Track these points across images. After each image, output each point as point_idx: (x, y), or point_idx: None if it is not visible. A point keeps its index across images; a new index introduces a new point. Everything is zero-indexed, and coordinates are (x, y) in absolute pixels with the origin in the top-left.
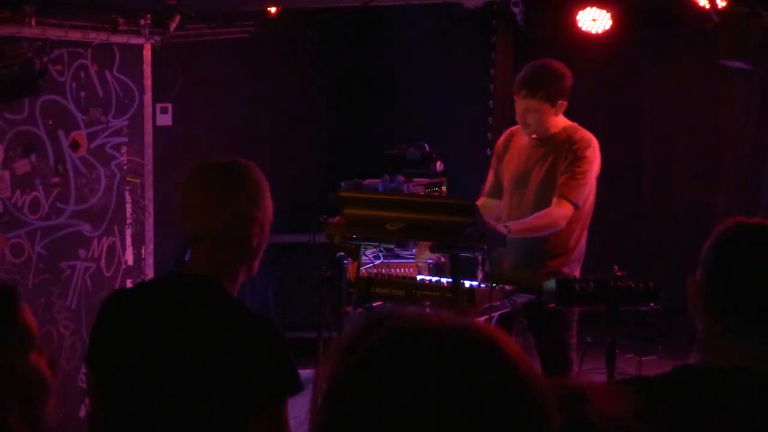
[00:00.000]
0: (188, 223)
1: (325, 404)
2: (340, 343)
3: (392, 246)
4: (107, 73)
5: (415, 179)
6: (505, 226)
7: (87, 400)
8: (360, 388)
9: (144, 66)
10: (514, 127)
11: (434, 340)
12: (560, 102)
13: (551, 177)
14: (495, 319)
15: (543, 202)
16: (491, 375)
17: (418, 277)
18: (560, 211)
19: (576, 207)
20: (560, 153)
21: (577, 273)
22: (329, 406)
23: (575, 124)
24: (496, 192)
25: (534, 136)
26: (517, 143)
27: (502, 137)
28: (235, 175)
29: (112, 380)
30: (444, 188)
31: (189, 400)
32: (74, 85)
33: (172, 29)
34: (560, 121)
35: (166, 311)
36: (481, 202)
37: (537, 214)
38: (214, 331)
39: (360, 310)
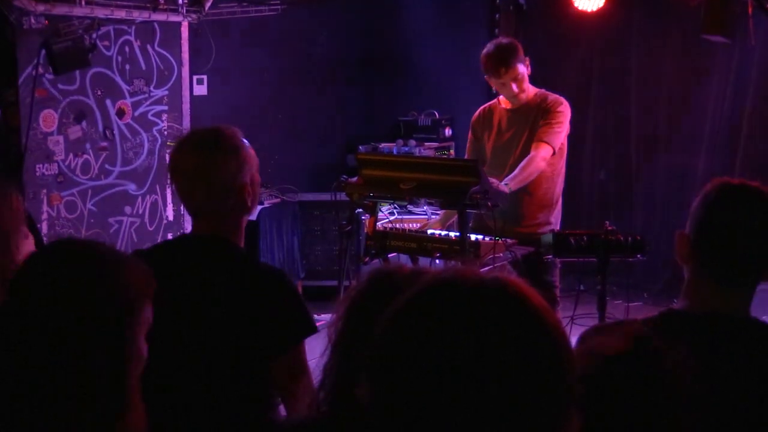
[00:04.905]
0: (183, 201)
1: (345, 351)
2: (349, 296)
3: (405, 203)
4: (149, 48)
5: (426, 143)
6: (506, 184)
7: None
8: (399, 336)
9: (182, 41)
10: (486, 105)
11: (471, 291)
12: (526, 62)
13: (533, 140)
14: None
15: None
16: (522, 325)
17: (429, 231)
18: (540, 152)
19: (553, 150)
20: (538, 114)
21: (558, 223)
22: (368, 354)
23: (544, 90)
24: None
25: (506, 106)
26: (495, 117)
27: (477, 114)
28: (218, 149)
29: None
30: (452, 151)
31: (212, 348)
32: (120, 58)
33: (207, 8)
34: (532, 89)
35: (183, 268)
36: None
37: (521, 164)
38: (231, 285)
39: (376, 261)
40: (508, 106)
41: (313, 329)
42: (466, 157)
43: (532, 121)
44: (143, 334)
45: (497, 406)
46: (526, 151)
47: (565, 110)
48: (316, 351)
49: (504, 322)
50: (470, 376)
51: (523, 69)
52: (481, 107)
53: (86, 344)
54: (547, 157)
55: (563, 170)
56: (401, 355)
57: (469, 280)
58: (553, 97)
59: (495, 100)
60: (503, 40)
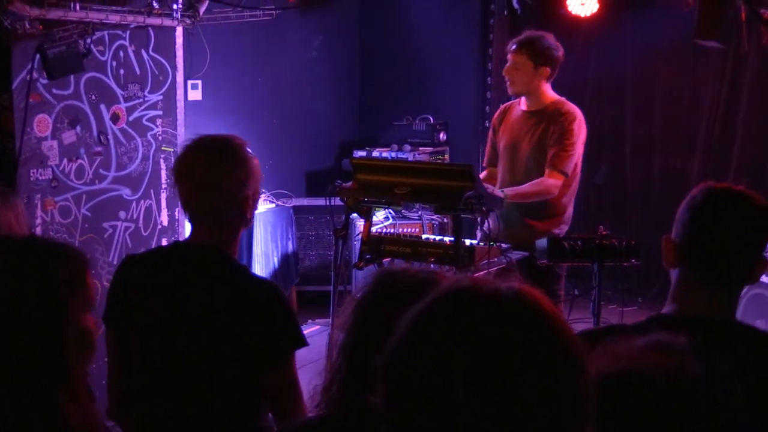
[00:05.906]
0: (186, 206)
1: (352, 351)
2: (356, 297)
3: (400, 208)
4: (143, 53)
5: (421, 148)
6: (502, 191)
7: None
8: (415, 344)
9: (176, 46)
10: (507, 103)
11: (487, 301)
12: (543, 67)
13: (541, 145)
14: (492, 274)
15: (533, 166)
16: (539, 332)
17: (424, 236)
18: (552, 181)
19: (566, 176)
20: (549, 123)
21: (564, 232)
22: (384, 358)
23: (563, 99)
24: (495, 161)
25: (523, 107)
26: (511, 116)
27: (498, 112)
28: (227, 159)
29: (129, 338)
30: (447, 156)
31: (203, 359)
32: (114, 63)
33: (201, 12)
34: (550, 95)
35: (178, 277)
36: (485, 173)
37: (532, 182)
38: (224, 296)
39: (371, 266)
40: (525, 108)
41: (303, 344)
42: (486, 155)
43: (543, 127)
44: (84, 322)
45: (512, 415)
46: (532, 155)
47: (578, 128)
48: (315, 353)
49: (519, 332)
50: (486, 384)
51: (530, 67)
52: (503, 105)
53: (19, 333)
54: (559, 185)
55: (576, 182)
56: (417, 364)
57: (484, 289)
58: (567, 108)
59: (516, 100)
60: (544, 33)
